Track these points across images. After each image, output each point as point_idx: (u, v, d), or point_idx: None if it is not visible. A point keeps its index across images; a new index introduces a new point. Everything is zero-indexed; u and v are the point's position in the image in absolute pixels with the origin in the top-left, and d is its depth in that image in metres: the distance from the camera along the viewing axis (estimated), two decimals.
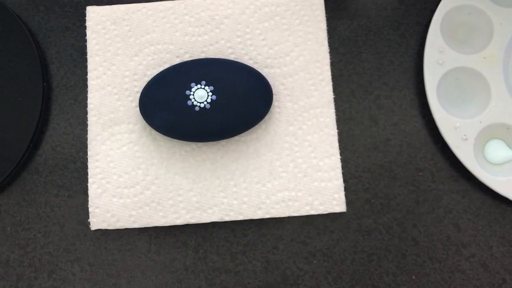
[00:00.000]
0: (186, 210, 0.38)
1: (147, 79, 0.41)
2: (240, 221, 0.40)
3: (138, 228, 0.39)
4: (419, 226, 0.39)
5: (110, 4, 0.43)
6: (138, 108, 0.40)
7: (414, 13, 0.43)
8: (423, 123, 0.41)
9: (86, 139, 0.41)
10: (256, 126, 0.40)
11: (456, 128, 0.39)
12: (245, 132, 0.40)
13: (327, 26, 0.42)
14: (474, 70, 0.40)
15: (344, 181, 0.40)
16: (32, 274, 0.39)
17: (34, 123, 0.40)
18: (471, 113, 0.40)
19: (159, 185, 0.39)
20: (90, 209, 0.38)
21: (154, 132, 0.40)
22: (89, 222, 0.39)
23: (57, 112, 0.42)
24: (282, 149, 0.40)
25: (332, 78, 0.42)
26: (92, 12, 0.42)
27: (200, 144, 0.40)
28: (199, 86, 0.38)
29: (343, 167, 0.40)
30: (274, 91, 0.40)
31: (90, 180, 0.39)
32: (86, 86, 0.42)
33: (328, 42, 0.42)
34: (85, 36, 0.43)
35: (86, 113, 0.41)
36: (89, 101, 0.40)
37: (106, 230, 0.40)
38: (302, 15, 0.42)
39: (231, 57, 0.41)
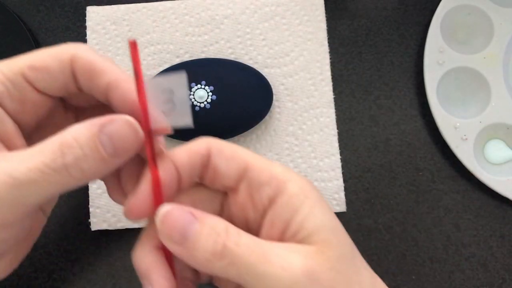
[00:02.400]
0: None
1: (147, 79, 0.41)
2: None
3: (138, 228, 0.39)
4: (419, 226, 0.39)
5: (110, 4, 0.43)
6: None
7: (414, 13, 0.43)
8: (423, 123, 0.41)
9: None
10: (256, 126, 0.40)
11: (456, 128, 0.39)
12: (245, 132, 0.40)
13: (327, 26, 0.42)
14: (474, 70, 0.40)
15: (344, 181, 0.40)
16: (32, 274, 0.39)
17: None
18: (471, 113, 0.40)
19: None
20: (90, 209, 0.38)
21: None
22: (89, 222, 0.39)
23: None
24: (282, 149, 0.40)
25: (332, 78, 0.41)
26: (92, 12, 0.42)
27: None
28: (199, 86, 0.38)
29: (343, 167, 0.40)
30: (274, 91, 0.40)
31: None
32: None
33: (328, 42, 0.42)
34: (85, 36, 0.42)
35: None
36: None
37: (106, 230, 0.40)
38: (302, 15, 0.42)
39: (231, 57, 0.41)
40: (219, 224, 0.23)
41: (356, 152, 0.41)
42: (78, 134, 0.22)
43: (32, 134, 0.27)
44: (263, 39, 0.41)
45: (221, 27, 0.41)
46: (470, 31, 0.42)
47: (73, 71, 0.25)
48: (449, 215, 0.40)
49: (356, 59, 0.42)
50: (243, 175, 0.25)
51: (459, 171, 0.40)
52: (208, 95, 0.37)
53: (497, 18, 0.41)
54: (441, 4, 0.41)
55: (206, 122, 0.37)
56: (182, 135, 0.38)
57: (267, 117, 0.40)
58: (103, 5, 0.43)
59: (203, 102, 0.37)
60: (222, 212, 0.27)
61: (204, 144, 0.25)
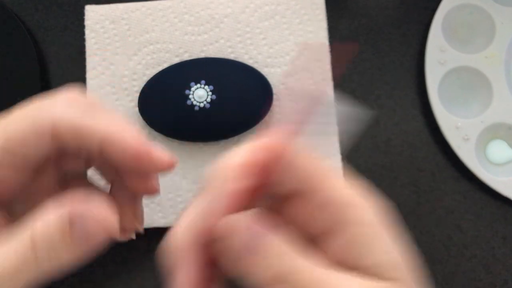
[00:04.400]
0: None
1: (146, 78, 0.40)
2: None
3: None
4: (420, 227, 0.39)
5: (109, 3, 0.43)
6: (137, 108, 0.40)
7: (416, 12, 0.43)
8: (425, 123, 0.41)
9: None
10: (256, 126, 0.39)
11: (458, 128, 0.39)
12: (245, 132, 0.39)
13: (328, 25, 0.42)
14: (475, 69, 0.40)
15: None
16: None
17: None
18: (472, 113, 0.40)
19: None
20: None
21: (153, 132, 0.40)
22: None
23: None
24: None
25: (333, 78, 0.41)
26: (91, 11, 0.41)
27: (200, 144, 0.39)
28: (198, 85, 0.37)
29: (343, 167, 0.40)
30: (274, 91, 0.40)
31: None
32: (84, 85, 0.41)
33: (329, 41, 0.42)
34: (84, 35, 0.42)
35: None
36: None
37: None
38: (302, 14, 0.41)
39: (231, 57, 0.41)
40: (285, 244, 0.20)
41: (356, 152, 0.40)
42: (46, 229, 0.22)
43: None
44: (263, 38, 0.41)
45: (220, 26, 0.41)
46: (471, 30, 0.42)
47: (58, 140, 0.23)
48: (451, 215, 0.39)
49: (357, 58, 0.42)
50: (306, 190, 0.22)
51: (461, 172, 0.40)
52: (208, 95, 0.37)
53: (499, 17, 0.41)
54: (442, 3, 0.41)
55: (206, 122, 0.37)
56: (182, 135, 0.37)
57: (267, 117, 0.40)
58: (102, 4, 0.43)
59: (202, 102, 0.37)
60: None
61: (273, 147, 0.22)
